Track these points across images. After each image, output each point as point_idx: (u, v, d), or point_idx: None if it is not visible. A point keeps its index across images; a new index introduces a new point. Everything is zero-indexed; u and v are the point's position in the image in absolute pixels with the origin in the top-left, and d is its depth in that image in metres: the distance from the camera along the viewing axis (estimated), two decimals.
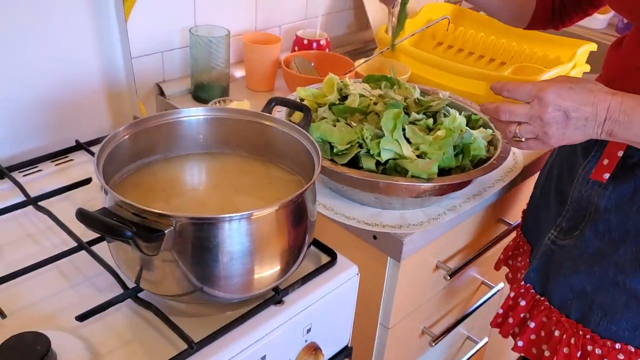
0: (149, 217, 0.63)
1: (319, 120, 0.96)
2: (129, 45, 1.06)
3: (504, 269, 1.17)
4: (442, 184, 0.87)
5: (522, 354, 0.99)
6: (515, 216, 1.23)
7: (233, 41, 1.26)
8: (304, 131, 0.80)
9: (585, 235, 0.90)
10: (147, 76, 1.25)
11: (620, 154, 0.87)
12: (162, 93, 1.27)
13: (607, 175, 0.88)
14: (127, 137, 0.78)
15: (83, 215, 0.60)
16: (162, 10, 1.22)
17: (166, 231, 0.62)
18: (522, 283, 0.98)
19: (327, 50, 1.39)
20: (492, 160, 0.92)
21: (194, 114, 0.84)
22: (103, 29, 1.03)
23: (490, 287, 1.27)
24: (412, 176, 0.87)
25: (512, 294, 1.00)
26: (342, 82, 1.05)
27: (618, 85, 0.80)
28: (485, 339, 1.37)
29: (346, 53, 1.57)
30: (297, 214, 0.71)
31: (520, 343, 0.98)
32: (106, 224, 0.60)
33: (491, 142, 0.99)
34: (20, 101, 0.97)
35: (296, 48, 1.38)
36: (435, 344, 1.13)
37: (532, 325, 0.96)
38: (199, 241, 0.65)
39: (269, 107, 0.87)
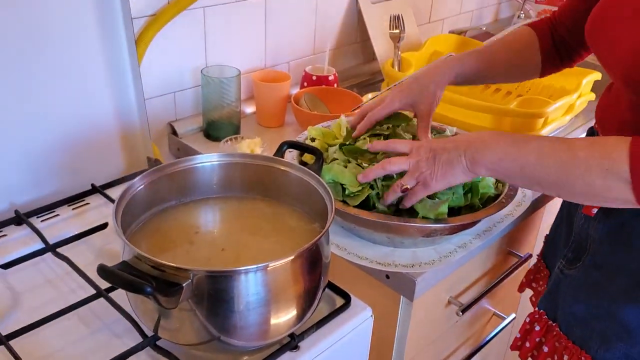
0: (167, 270, 0.64)
1: (330, 161, 0.98)
2: (142, 88, 1.09)
3: (527, 291, 1.22)
4: (453, 224, 0.88)
5: None
6: (524, 247, 1.24)
7: (243, 78, 1.28)
8: (317, 176, 0.81)
9: (585, 266, 0.95)
10: (159, 116, 1.28)
11: None
12: (174, 132, 1.29)
13: (594, 210, 0.92)
14: (142, 186, 0.79)
15: (104, 272, 0.61)
16: (173, 52, 1.25)
17: (184, 284, 0.63)
18: (536, 309, 1.03)
19: (335, 85, 1.41)
20: (501, 198, 0.94)
21: (207, 160, 0.85)
22: (117, 73, 1.06)
23: (502, 318, 1.27)
24: (423, 217, 0.89)
25: (527, 319, 1.04)
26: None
27: (608, 128, 0.87)
28: None
29: (354, 86, 1.59)
30: (313, 261, 0.72)
31: None
32: (127, 281, 0.61)
33: (499, 179, 1.00)
34: (36, 147, 0.99)
35: (305, 84, 1.40)
36: None
37: (546, 349, 1.00)
38: (216, 293, 0.66)
39: (281, 150, 0.89)
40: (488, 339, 1.24)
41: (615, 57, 0.85)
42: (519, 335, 1.06)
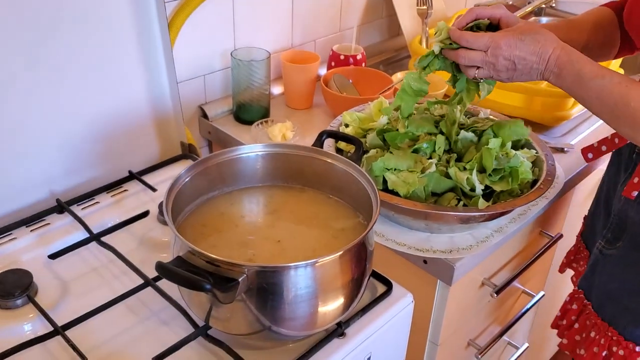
0: (222, 266, 0.66)
1: (369, 149, 0.97)
2: (175, 72, 1.09)
3: (567, 272, 1.24)
4: (492, 212, 0.89)
5: (567, 352, 1.07)
6: (555, 228, 1.25)
7: (271, 59, 1.27)
8: (359, 167, 0.82)
9: (625, 246, 0.97)
10: (190, 99, 1.28)
11: None
12: (204, 115, 1.29)
13: (635, 193, 0.94)
14: (188, 178, 0.80)
15: (163, 270, 0.63)
16: (203, 35, 1.24)
17: (239, 279, 0.65)
18: (576, 288, 1.06)
19: (363, 64, 1.40)
20: (539, 184, 0.94)
21: (250, 151, 0.86)
22: (150, 58, 1.06)
23: (532, 296, 1.29)
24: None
25: (568, 299, 1.08)
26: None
27: None
28: (526, 344, 1.39)
29: (379, 63, 1.59)
30: (359, 253, 0.73)
31: (565, 341, 1.06)
32: (186, 278, 0.63)
33: (535, 163, 1.00)
34: (73, 135, 1.00)
35: (333, 63, 1.39)
36: (481, 357, 1.15)
37: (577, 326, 1.04)
38: (268, 286, 0.67)
39: (320, 140, 0.90)
40: (518, 316, 1.25)
41: None
42: (559, 314, 1.09)
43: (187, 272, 0.64)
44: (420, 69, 0.94)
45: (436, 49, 0.91)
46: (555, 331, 1.11)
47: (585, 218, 1.18)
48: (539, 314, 1.46)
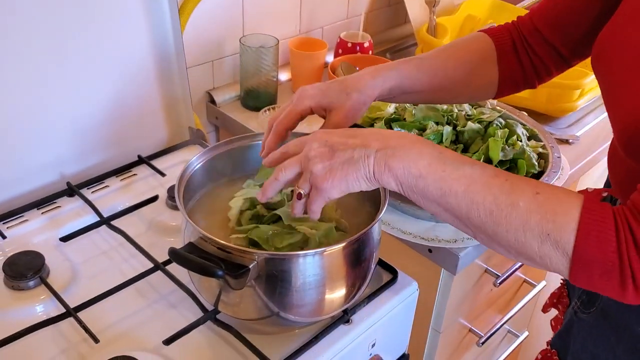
0: (233, 252, 0.67)
1: None
2: (185, 58, 1.09)
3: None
4: None
5: None
6: None
7: (279, 46, 1.28)
8: None
9: (597, 314, 0.84)
10: (198, 84, 1.29)
11: None
12: (212, 100, 1.30)
13: None
14: (199, 165, 0.82)
15: (176, 255, 0.64)
16: (213, 20, 1.25)
17: (250, 266, 0.66)
18: (548, 347, 0.96)
19: (370, 52, 1.41)
20: (544, 177, 0.95)
21: (261, 138, 0.87)
22: (160, 43, 1.06)
23: (533, 286, 1.31)
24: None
25: (539, 357, 0.97)
26: None
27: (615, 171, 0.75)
28: (526, 333, 1.41)
29: (386, 51, 1.59)
30: (366, 243, 0.74)
31: None
32: (199, 265, 0.64)
33: (541, 156, 1.01)
34: (83, 118, 1.01)
35: (340, 51, 1.40)
36: (482, 344, 1.17)
37: None
38: (278, 273, 0.69)
39: None
40: (519, 306, 1.27)
41: (613, 114, 0.71)
42: None
43: (199, 258, 0.65)
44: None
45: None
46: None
47: None
48: (539, 302, 1.48)
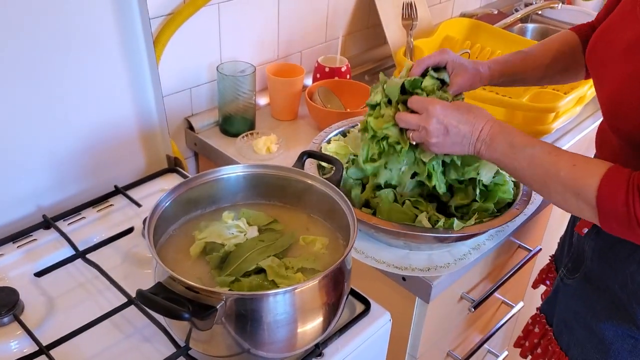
0: (201, 292, 0.68)
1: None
2: (161, 88, 1.10)
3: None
4: (468, 233, 0.91)
5: None
6: (534, 241, 1.27)
7: (257, 70, 1.29)
8: (338, 190, 0.84)
9: (580, 278, 0.97)
10: (176, 111, 1.30)
11: None
12: (190, 127, 1.31)
13: (585, 230, 0.95)
14: (170, 201, 0.82)
15: (143, 298, 0.65)
16: (190, 48, 1.25)
17: (218, 306, 0.67)
18: (538, 312, 1.07)
19: (348, 76, 1.42)
20: (515, 205, 0.96)
21: (232, 172, 0.88)
22: (136, 74, 1.07)
23: (511, 307, 1.32)
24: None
25: (530, 321, 1.09)
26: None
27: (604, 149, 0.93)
28: (505, 352, 1.42)
29: (365, 73, 1.61)
30: (337, 277, 0.75)
31: None
32: (165, 307, 0.65)
33: (516, 183, 1.02)
34: (60, 149, 1.01)
35: (318, 75, 1.41)
36: None
37: (539, 351, 1.07)
38: (247, 312, 0.70)
39: (301, 160, 0.91)
40: (497, 327, 1.28)
41: (600, 97, 0.89)
42: (521, 334, 1.11)
43: (166, 300, 0.66)
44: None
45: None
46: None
47: (560, 239, 1.19)
48: (519, 322, 1.49)
